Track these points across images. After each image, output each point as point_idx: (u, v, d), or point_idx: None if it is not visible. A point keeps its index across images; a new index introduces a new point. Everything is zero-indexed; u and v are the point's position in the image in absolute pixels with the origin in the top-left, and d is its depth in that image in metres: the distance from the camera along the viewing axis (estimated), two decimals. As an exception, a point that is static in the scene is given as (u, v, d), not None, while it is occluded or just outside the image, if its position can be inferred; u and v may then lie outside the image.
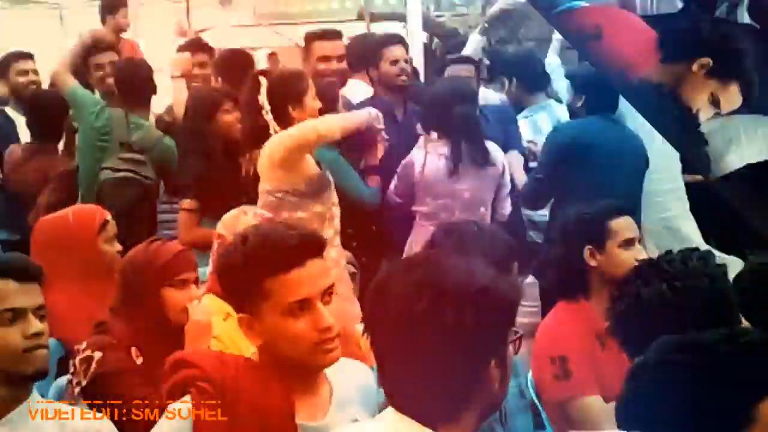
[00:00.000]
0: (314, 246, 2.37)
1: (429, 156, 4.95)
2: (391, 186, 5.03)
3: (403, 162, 5.02)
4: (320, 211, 4.29)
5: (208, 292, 3.50)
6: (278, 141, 4.21)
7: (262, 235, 2.41)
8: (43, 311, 2.63)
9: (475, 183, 4.88)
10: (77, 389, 3.14)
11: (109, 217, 4.05)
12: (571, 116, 5.45)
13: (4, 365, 2.55)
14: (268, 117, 4.38)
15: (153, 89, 5.65)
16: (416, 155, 4.98)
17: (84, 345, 3.20)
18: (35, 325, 2.57)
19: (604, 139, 4.82)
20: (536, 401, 3.33)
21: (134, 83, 5.56)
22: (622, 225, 3.47)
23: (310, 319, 2.31)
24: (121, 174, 5.25)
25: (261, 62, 6.14)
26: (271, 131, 4.33)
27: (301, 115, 4.39)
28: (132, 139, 5.38)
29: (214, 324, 3.47)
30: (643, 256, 3.39)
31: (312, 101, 4.46)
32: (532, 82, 5.05)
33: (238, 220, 3.79)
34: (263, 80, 4.47)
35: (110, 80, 5.82)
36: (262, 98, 4.41)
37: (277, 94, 4.41)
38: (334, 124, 4.41)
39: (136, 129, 5.43)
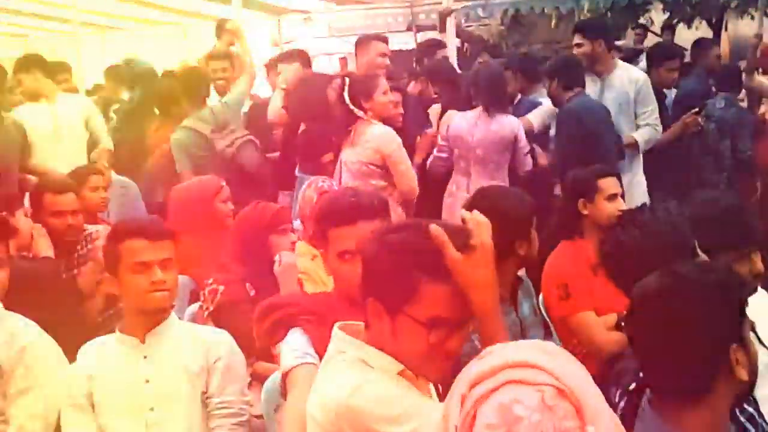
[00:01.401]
0: (366, 210, 2.26)
1: (456, 119, 4.95)
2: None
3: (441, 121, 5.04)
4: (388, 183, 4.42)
5: (300, 239, 3.55)
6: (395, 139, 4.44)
7: (330, 197, 2.42)
8: (168, 263, 2.59)
9: (486, 143, 4.82)
10: (205, 313, 3.21)
11: (223, 183, 4.10)
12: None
13: (135, 303, 2.57)
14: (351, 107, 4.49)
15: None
16: (452, 117, 5.00)
17: (211, 280, 3.26)
18: (158, 274, 2.55)
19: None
20: (546, 317, 3.34)
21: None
22: (608, 183, 3.46)
23: (354, 266, 2.16)
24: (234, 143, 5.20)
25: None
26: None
27: (373, 106, 4.48)
28: (217, 119, 5.22)
29: (303, 263, 3.54)
30: (624, 208, 3.39)
31: (381, 96, 4.52)
32: (569, 81, 4.90)
33: (305, 192, 3.87)
34: (348, 80, 4.57)
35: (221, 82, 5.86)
36: (345, 93, 4.50)
37: (353, 92, 4.47)
38: None
39: (203, 117, 5.22)
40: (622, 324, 2.43)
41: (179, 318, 2.81)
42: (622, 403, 1.97)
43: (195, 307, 3.37)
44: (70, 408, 2.51)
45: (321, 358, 2.07)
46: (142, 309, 2.57)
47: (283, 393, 2.19)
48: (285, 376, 2.18)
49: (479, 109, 4.87)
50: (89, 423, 2.48)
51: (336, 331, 1.84)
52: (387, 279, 1.69)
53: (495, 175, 4.79)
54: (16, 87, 5.66)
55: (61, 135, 5.35)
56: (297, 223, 3.89)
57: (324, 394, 1.74)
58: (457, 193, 4.90)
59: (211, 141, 5.09)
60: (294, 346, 2.22)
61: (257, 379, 3.01)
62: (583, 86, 4.79)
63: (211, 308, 3.19)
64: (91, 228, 3.96)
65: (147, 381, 2.52)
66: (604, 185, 3.45)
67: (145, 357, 2.54)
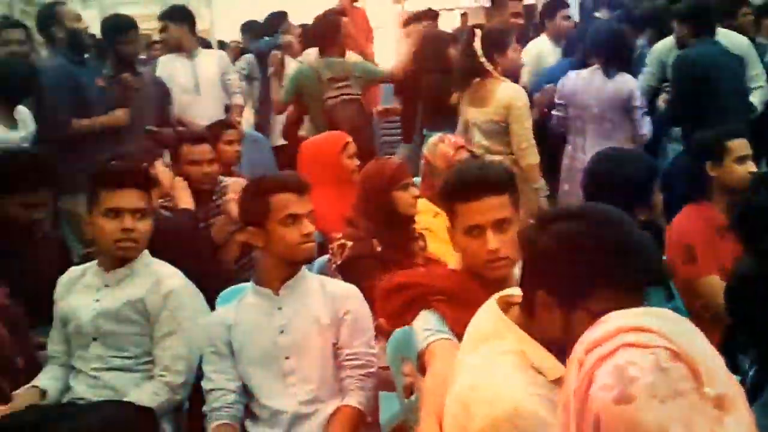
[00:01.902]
0: (493, 185, 2.20)
1: (572, 76, 4.84)
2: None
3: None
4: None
5: (420, 195, 3.56)
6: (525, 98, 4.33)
7: (456, 171, 2.37)
8: (311, 216, 2.64)
9: (602, 102, 4.67)
10: (334, 267, 3.26)
11: (349, 139, 4.15)
12: None
13: (286, 254, 2.61)
14: (482, 59, 4.41)
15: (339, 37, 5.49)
16: (567, 75, 4.91)
17: (340, 235, 3.31)
18: (308, 226, 2.60)
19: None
20: (668, 279, 3.27)
21: (326, 34, 5.45)
22: (737, 144, 3.33)
23: (482, 242, 2.17)
24: (339, 98, 5.22)
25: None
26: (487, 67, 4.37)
27: (504, 61, 4.42)
28: (334, 73, 5.26)
29: (425, 219, 3.56)
30: (754, 169, 3.26)
31: (513, 52, 4.45)
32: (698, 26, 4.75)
33: (437, 147, 3.85)
34: (477, 32, 4.50)
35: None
36: (476, 45, 4.43)
37: (488, 42, 4.40)
38: None
39: (332, 66, 5.28)
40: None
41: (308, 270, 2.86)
42: (751, 372, 1.93)
43: (323, 259, 3.45)
44: (210, 353, 2.60)
45: (456, 335, 2.09)
46: (292, 260, 2.61)
47: (421, 370, 2.18)
48: (422, 354, 2.17)
49: (595, 66, 4.74)
50: (229, 369, 2.57)
51: (494, 309, 1.75)
52: (563, 273, 1.56)
53: (612, 135, 4.64)
54: (150, 42, 5.82)
55: (200, 89, 5.49)
56: (418, 179, 3.91)
57: (482, 388, 1.61)
58: (575, 154, 4.80)
59: (323, 87, 5.16)
60: (427, 325, 2.19)
61: (381, 333, 3.06)
62: (713, 34, 4.60)
63: (339, 262, 3.26)
64: (225, 180, 4.09)
65: (282, 331, 2.58)
66: (733, 147, 3.32)
67: (279, 308, 2.61)
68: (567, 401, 1.09)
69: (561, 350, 1.54)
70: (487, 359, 1.66)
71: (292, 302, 2.61)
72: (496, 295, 1.80)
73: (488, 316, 1.75)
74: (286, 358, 2.57)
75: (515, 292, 1.77)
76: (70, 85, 4.66)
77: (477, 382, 1.63)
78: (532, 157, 4.40)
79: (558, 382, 1.53)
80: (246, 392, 2.59)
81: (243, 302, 2.66)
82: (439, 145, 3.83)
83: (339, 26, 5.41)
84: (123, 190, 2.75)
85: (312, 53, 5.54)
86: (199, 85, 5.48)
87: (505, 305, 1.75)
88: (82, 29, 5.12)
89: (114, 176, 2.82)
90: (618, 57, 4.71)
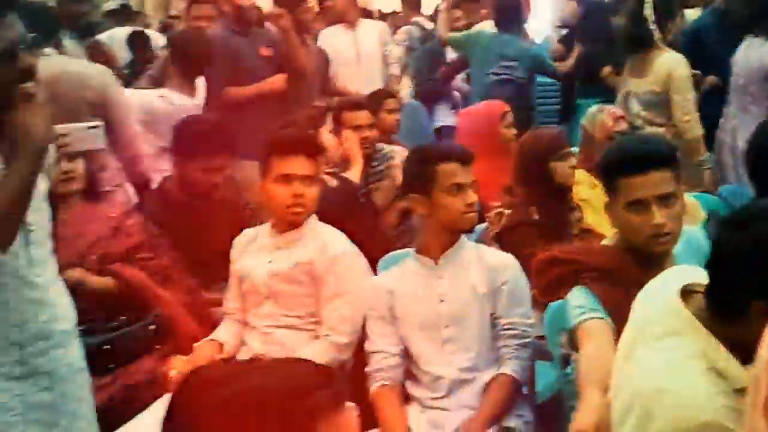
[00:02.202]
0: (657, 158, 2.15)
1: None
2: None
3: None
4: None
5: (578, 166, 3.52)
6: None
7: (618, 144, 2.34)
8: (474, 186, 2.64)
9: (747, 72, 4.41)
10: (491, 235, 3.28)
11: (507, 109, 4.14)
12: None
13: (449, 223, 2.60)
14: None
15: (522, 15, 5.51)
16: None
17: (498, 203, 3.33)
18: (472, 196, 2.59)
19: None
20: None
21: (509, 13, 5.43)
22: None
23: (645, 217, 2.13)
24: (500, 76, 5.25)
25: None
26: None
27: (674, 29, 4.29)
28: (505, 52, 5.29)
29: (583, 191, 3.52)
30: None
31: (679, 21, 4.32)
32: None
33: (596, 117, 3.79)
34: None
35: None
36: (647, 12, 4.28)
37: (664, 8, 4.31)
38: None
39: (508, 44, 5.29)
40: None
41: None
42: None
43: (481, 228, 3.46)
44: (374, 317, 2.68)
45: (610, 315, 2.09)
46: (455, 229, 2.65)
47: (573, 346, 2.20)
48: (573, 330, 2.18)
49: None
50: (392, 333, 2.65)
51: (675, 301, 1.67)
52: None
53: (750, 108, 4.39)
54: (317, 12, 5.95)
55: (361, 59, 5.60)
56: (575, 149, 3.86)
57: (668, 394, 1.56)
58: (725, 124, 4.58)
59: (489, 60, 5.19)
60: (580, 302, 2.19)
61: (537, 303, 3.06)
62: None
63: (496, 231, 3.27)
64: (386, 148, 4.17)
65: (442, 300, 2.63)
66: None
67: (439, 278, 2.65)
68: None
69: (743, 349, 1.50)
70: (671, 362, 1.61)
71: (451, 272, 2.65)
72: (673, 283, 1.72)
73: (667, 307, 1.68)
74: (446, 326, 2.61)
75: (691, 279, 1.70)
76: (230, 54, 4.81)
77: (662, 386, 1.58)
78: (696, 129, 4.24)
79: (741, 392, 1.48)
80: (407, 355, 2.66)
81: (404, 269, 2.72)
82: (598, 116, 3.77)
83: (520, 6, 5.40)
84: (294, 157, 2.84)
85: (486, 26, 5.55)
86: (360, 55, 5.58)
87: (684, 295, 1.68)
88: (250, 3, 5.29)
89: (286, 143, 2.91)
90: None
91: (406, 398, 2.64)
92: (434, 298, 2.64)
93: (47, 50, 3.45)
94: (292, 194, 2.82)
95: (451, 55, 6.21)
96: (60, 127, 1.99)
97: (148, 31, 6.65)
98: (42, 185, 2.02)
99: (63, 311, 2.08)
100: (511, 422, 2.52)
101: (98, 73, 3.59)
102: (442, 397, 2.57)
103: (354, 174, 3.86)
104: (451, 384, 2.57)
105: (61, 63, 3.49)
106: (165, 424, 2.51)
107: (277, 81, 4.68)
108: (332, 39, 5.60)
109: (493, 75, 5.21)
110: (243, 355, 2.85)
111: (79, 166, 2.88)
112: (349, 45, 5.59)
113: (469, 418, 2.50)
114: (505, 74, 5.20)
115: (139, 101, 4.02)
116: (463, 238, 2.72)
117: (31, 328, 1.97)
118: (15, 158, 1.85)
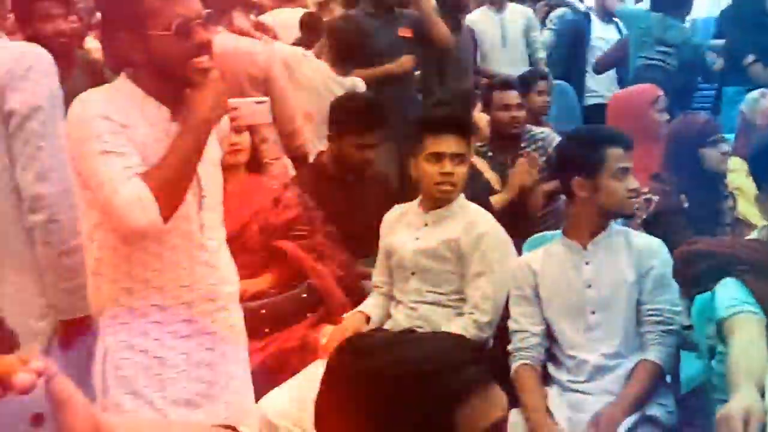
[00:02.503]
0: None
1: None
2: None
3: None
4: None
5: (734, 153, 3.40)
6: None
7: None
8: (633, 171, 2.59)
9: None
10: (638, 221, 3.20)
11: (660, 93, 4.02)
12: None
13: (612, 207, 2.60)
14: None
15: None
16: None
17: (646, 189, 3.23)
18: (634, 181, 2.59)
19: None
20: None
21: None
22: None
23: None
24: (651, 62, 5.07)
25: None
26: None
27: None
28: (665, 36, 5.10)
29: (737, 178, 3.42)
30: None
31: None
32: None
33: (758, 102, 3.68)
34: None
35: None
36: None
37: None
38: None
39: (670, 29, 5.11)
40: None
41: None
42: None
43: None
44: (517, 296, 2.68)
45: (763, 310, 2.04)
46: (618, 212, 2.64)
47: (721, 338, 2.15)
48: (722, 322, 2.13)
49: None
50: (535, 314, 2.64)
51: None
52: None
53: None
54: None
55: (507, 42, 5.58)
56: (730, 136, 3.72)
57: None
58: None
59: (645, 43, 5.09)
60: (732, 293, 2.14)
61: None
62: None
63: (644, 216, 3.21)
64: (535, 129, 4.15)
65: (589, 286, 2.60)
66: None
67: (587, 263, 2.62)
68: None
69: None
70: None
71: (599, 258, 2.62)
72: None
73: None
74: (592, 312, 2.59)
75: None
76: (357, 36, 4.82)
77: None
78: None
79: None
80: (549, 337, 2.65)
81: (550, 251, 2.70)
82: (761, 101, 3.62)
83: None
84: (445, 135, 2.87)
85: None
86: (506, 38, 5.56)
87: None
88: None
89: (438, 122, 2.95)
90: None
91: (546, 379, 2.64)
92: (581, 283, 2.61)
93: (219, 28, 3.61)
94: (441, 172, 2.85)
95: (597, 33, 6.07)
96: (231, 101, 2.09)
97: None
98: (216, 154, 2.13)
99: (228, 274, 2.19)
100: (654, 411, 2.48)
101: (264, 50, 3.73)
102: (583, 381, 2.55)
103: None
104: (593, 369, 2.55)
105: (231, 39, 3.66)
106: (321, 390, 2.61)
107: (405, 62, 4.73)
108: (479, 20, 5.61)
109: (645, 59, 5.06)
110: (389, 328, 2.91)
111: (246, 139, 3.03)
112: (495, 27, 5.59)
113: (610, 403, 2.48)
114: (657, 60, 5.03)
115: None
116: (613, 224, 2.68)
117: (200, 289, 2.08)
118: (182, 131, 1.95)
